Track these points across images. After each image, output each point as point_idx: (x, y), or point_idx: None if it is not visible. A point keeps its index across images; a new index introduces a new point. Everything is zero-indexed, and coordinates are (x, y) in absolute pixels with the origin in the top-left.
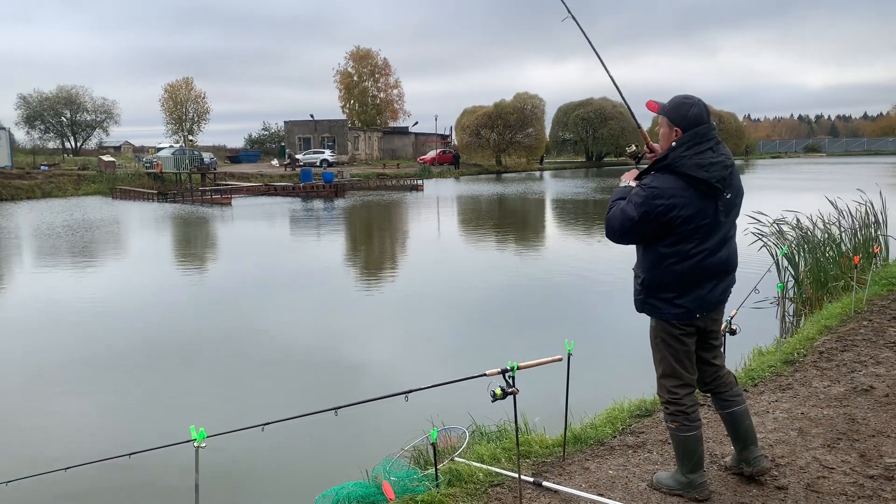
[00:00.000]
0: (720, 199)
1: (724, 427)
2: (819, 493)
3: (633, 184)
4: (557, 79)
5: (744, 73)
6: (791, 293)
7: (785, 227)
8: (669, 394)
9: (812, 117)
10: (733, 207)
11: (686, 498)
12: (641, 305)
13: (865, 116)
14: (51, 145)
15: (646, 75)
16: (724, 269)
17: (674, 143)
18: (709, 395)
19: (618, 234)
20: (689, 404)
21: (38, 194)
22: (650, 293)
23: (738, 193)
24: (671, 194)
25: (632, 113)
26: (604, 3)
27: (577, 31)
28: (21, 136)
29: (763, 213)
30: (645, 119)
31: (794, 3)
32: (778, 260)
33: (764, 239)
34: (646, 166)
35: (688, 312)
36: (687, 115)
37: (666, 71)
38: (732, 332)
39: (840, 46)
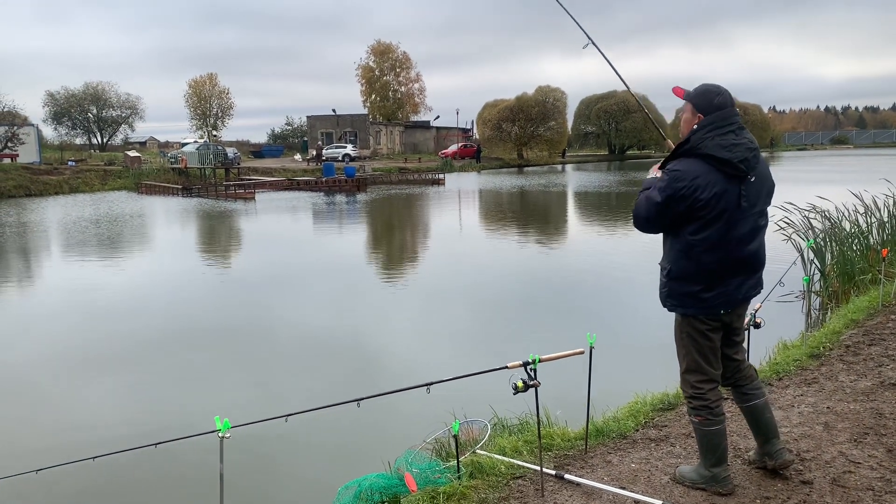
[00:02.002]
0: (744, 182)
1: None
2: (845, 488)
3: (659, 174)
4: (576, 72)
5: (763, 65)
6: (817, 286)
7: (811, 219)
8: (693, 389)
9: (839, 108)
10: (759, 195)
11: (709, 492)
12: (665, 299)
13: (894, 107)
14: (78, 141)
15: (664, 67)
16: (752, 265)
17: (696, 126)
18: (730, 388)
19: (644, 222)
20: (712, 399)
21: (65, 189)
22: (676, 285)
23: (765, 181)
24: (694, 176)
25: (653, 121)
26: None
27: (592, 25)
28: (49, 132)
29: (790, 204)
30: (667, 111)
31: None
32: (804, 253)
33: (789, 231)
34: None
35: (712, 308)
36: (712, 102)
37: (684, 63)
38: (757, 326)
39: (859, 38)
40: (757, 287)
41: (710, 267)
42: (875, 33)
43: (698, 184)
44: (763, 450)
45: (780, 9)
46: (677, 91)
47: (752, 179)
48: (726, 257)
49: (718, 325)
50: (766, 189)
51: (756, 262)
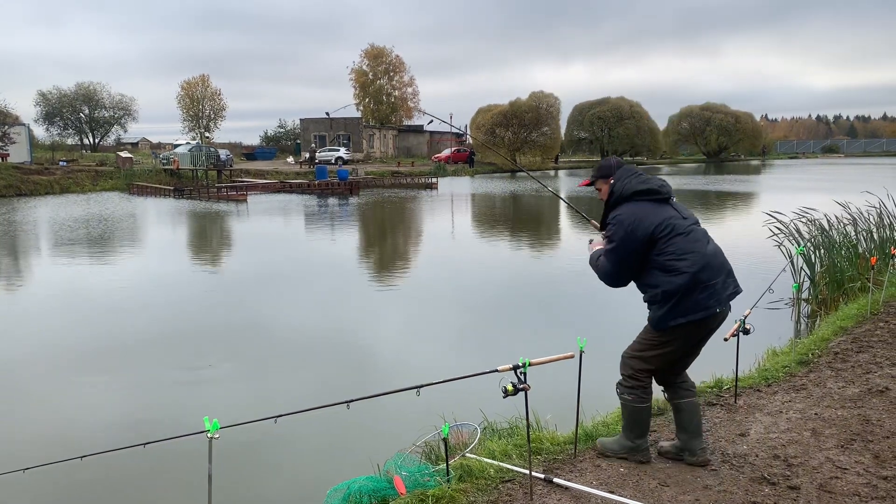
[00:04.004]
0: (670, 202)
1: (734, 426)
2: (832, 494)
3: (600, 247)
4: (564, 80)
5: (750, 74)
6: (806, 294)
7: (801, 227)
8: (633, 370)
9: (830, 118)
10: (687, 211)
11: (630, 461)
12: (668, 316)
13: (885, 117)
14: (69, 141)
15: (653, 77)
16: (721, 262)
17: (612, 181)
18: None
19: (615, 274)
20: (647, 381)
21: (56, 189)
22: (672, 300)
23: (686, 210)
24: (633, 211)
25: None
26: (607, 5)
27: (579, 34)
28: (40, 132)
29: (779, 213)
30: (661, 119)
31: (793, 7)
32: (793, 259)
33: (779, 238)
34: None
35: (709, 307)
36: (611, 165)
37: (673, 72)
38: (746, 332)
39: (841, 50)
40: (736, 286)
41: (691, 269)
42: (856, 47)
43: (641, 215)
44: (686, 445)
45: (764, 20)
46: (583, 183)
47: (675, 200)
48: (698, 258)
49: (705, 333)
50: (688, 210)
51: (723, 259)
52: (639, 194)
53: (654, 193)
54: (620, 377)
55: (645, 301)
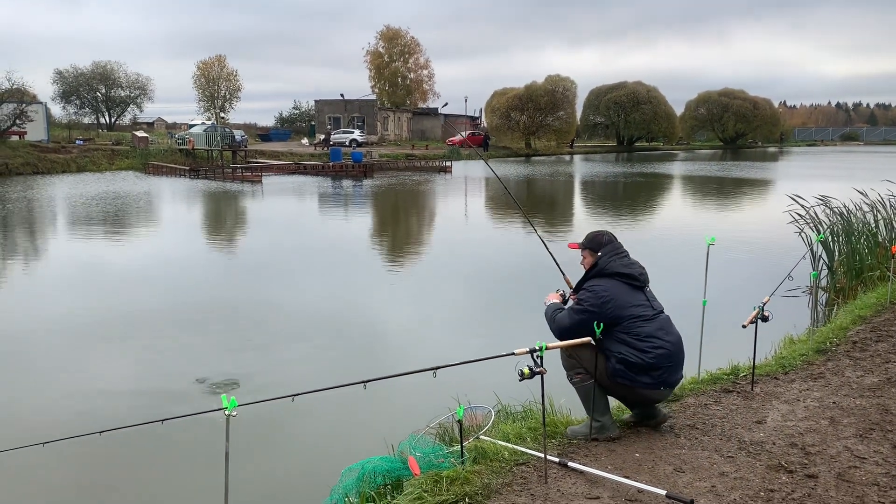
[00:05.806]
0: (644, 290)
1: (751, 413)
2: (850, 483)
3: (557, 301)
4: (576, 65)
5: (762, 60)
6: (824, 282)
7: (820, 215)
8: (574, 359)
9: (850, 105)
10: (656, 300)
11: (601, 440)
12: (619, 375)
13: None
14: (86, 120)
15: (663, 62)
16: (679, 349)
17: (600, 254)
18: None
19: (567, 328)
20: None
21: (73, 168)
22: (624, 367)
23: (656, 300)
24: (607, 288)
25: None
26: None
27: (590, 19)
28: (57, 110)
29: (800, 197)
30: (677, 104)
31: None
32: (813, 247)
33: (800, 224)
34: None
35: (654, 386)
36: (602, 241)
37: (682, 58)
38: (765, 319)
39: (857, 36)
40: (681, 375)
41: (652, 350)
42: (867, 34)
43: (614, 294)
44: (644, 412)
45: (774, 6)
46: (572, 245)
47: (648, 289)
48: (658, 344)
49: (641, 399)
50: (657, 300)
51: (680, 348)
52: (619, 276)
53: (633, 279)
54: (568, 367)
55: (607, 350)
